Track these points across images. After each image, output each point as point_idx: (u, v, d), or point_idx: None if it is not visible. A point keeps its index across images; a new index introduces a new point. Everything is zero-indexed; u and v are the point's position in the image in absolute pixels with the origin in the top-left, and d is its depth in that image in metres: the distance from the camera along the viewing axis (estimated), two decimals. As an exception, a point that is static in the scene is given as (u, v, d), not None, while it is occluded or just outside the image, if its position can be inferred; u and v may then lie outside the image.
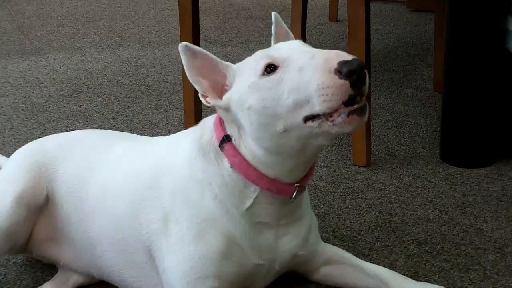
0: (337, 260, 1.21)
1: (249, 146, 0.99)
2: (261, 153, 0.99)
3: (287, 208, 1.06)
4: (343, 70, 0.86)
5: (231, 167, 1.01)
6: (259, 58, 0.96)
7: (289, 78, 0.91)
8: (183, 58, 1.01)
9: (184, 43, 1.00)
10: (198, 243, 1.02)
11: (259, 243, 1.05)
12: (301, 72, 0.90)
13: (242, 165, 1.00)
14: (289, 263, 1.12)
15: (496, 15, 1.62)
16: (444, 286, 1.17)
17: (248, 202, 1.02)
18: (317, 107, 0.88)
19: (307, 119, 0.91)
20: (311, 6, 3.39)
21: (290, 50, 0.96)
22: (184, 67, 1.01)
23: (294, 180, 1.02)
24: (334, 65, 0.87)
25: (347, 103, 0.88)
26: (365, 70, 0.88)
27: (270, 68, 0.94)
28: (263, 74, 0.94)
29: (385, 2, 3.58)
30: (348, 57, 0.88)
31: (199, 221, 1.02)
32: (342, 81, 0.86)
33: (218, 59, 1.03)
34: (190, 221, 1.02)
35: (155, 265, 1.09)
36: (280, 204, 1.04)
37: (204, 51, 1.02)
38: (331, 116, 0.89)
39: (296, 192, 1.02)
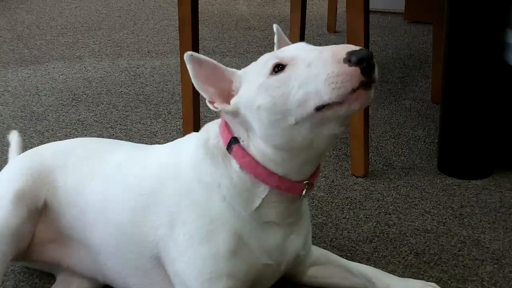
0: (323, 261, 1.23)
1: (258, 146, 1.01)
2: (271, 152, 1.00)
3: (294, 207, 1.07)
4: (352, 59, 0.88)
5: (240, 168, 1.02)
6: (266, 60, 0.99)
7: (298, 74, 0.93)
8: (189, 67, 1.03)
9: (190, 52, 1.02)
10: (207, 243, 1.03)
11: (267, 243, 1.06)
12: (309, 67, 0.92)
13: (251, 165, 1.01)
14: (291, 263, 1.13)
15: (495, 27, 1.63)
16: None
17: (257, 202, 1.03)
18: (326, 95, 0.90)
19: (318, 109, 0.92)
20: (310, 17, 3.41)
21: (296, 50, 0.98)
22: (191, 75, 1.03)
23: (303, 177, 1.03)
24: (343, 55, 0.89)
25: None
26: (374, 60, 0.90)
27: (278, 68, 0.96)
28: (271, 74, 0.96)
29: (383, 13, 3.60)
30: (356, 47, 0.90)
31: (207, 222, 1.03)
32: (352, 68, 0.88)
33: (224, 66, 1.05)
34: (198, 223, 1.03)
35: (161, 270, 1.09)
36: (289, 202, 1.05)
37: (209, 59, 1.04)
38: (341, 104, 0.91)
39: (305, 189, 1.04)
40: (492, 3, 1.60)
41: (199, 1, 1.84)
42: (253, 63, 1.03)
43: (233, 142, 1.03)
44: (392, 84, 2.46)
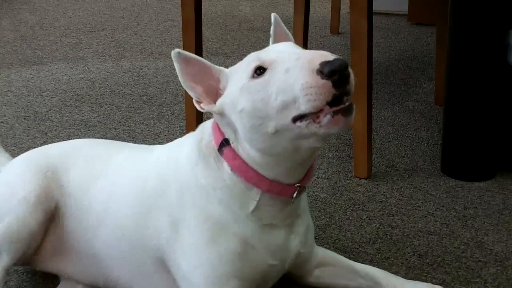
0: (329, 262, 1.22)
1: (245, 148, 1.00)
2: (256, 155, 0.99)
3: (289, 208, 1.06)
4: (324, 70, 0.87)
5: (231, 170, 1.02)
6: (249, 61, 0.98)
7: (276, 79, 0.92)
8: (176, 65, 1.02)
9: (177, 50, 1.01)
10: (212, 246, 1.02)
11: (271, 244, 1.06)
12: (287, 73, 0.91)
13: (241, 168, 1.01)
14: (294, 262, 1.13)
15: (498, 29, 1.63)
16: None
17: (252, 205, 1.03)
18: (302, 106, 0.89)
19: (296, 119, 0.91)
20: (313, 18, 3.40)
21: (278, 53, 0.97)
22: (178, 73, 1.02)
23: (294, 181, 1.03)
24: (317, 65, 0.88)
25: (332, 103, 0.89)
26: (349, 69, 0.89)
27: (260, 71, 0.95)
28: (253, 77, 0.95)
29: (386, 15, 3.60)
30: (330, 57, 0.89)
31: (210, 225, 1.03)
32: (324, 81, 0.87)
33: (211, 64, 1.04)
34: (202, 226, 1.03)
35: (164, 274, 1.09)
36: (282, 205, 1.05)
37: (197, 57, 1.03)
38: (317, 118, 0.90)
39: (296, 192, 1.03)
40: (495, 5, 1.60)
41: (202, 3, 1.84)
42: (240, 62, 1.02)
43: (224, 144, 1.02)
44: (396, 86, 2.46)
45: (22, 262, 1.21)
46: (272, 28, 1.14)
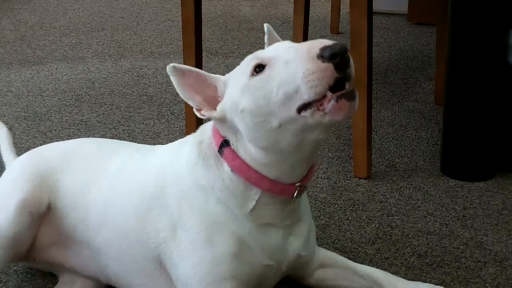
0: (330, 264, 1.22)
1: (247, 149, 1.01)
2: (260, 155, 1.00)
3: (289, 209, 1.06)
4: (324, 54, 0.88)
5: (231, 170, 1.02)
6: (248, 61, 0.99)
7: (276, 73, 0.93)
8: (172, 79, 1.04)
9: (172, 64, 1.03)
10: (209, 247, 1.03)
11: (267, 244, 1.06)
12: (287, 65, 0.92)
13: (242, 168, 1.01)
14: (293, 264, 1.13)
15: (498, 29, 1.63)
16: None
17: (251, 204, 1.03)
18: (305, 95, 0.89)
19: (300, 110, 0.91)
20: (313, 18, 3.41)
21: (276, 49, 0.98)
22: (176, 87, 1.04)
23: (295, 180, 1.03)
24: (317, 51, 0.89)
25: (335, 89, 0.89)
26: (348, 54, 0.89)
27: (259, 68, 0.96)
28: (253, 75, 0.96)
29: (386, 15, 3.60)
30: (329, 42, 0.89)
31: (207, 225, 1.04)
32: (325, 65, 0.88)
33: (206, 73, 1.06)
34: (199, 226, 1.04)
35: (163, 271, 1.10)
36: (282, 204, 1.05)
37: (192, 68, 1.05)
38: (321, 105, 0.90)
39: (297, 191, 1.03)
40: (495, 5, 1.60)
41: (202, 3, 1.85)
42: (237, 67, 1.03)
43: (224, 145, 1.03)
44: (395, 86, 2.46)
45: (18, 259, 1.22)
46: (266, 37, 1.15)
